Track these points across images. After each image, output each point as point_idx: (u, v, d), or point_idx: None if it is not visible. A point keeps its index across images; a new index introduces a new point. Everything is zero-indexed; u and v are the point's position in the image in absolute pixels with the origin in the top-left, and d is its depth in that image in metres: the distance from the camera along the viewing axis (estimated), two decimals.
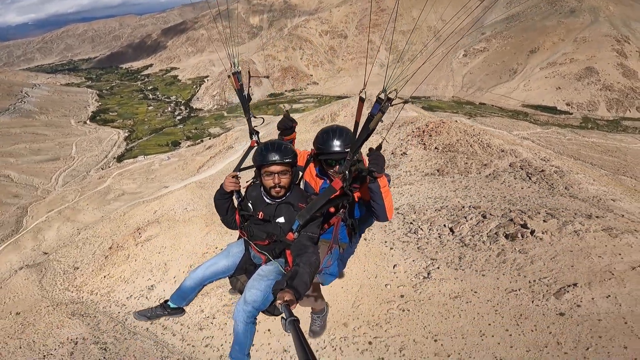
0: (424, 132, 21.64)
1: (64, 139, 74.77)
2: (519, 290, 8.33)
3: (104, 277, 17.50)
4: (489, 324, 8.64)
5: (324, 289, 4.01)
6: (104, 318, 14.24)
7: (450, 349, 8.50)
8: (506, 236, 8.98)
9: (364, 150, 2.48)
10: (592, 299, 8.71)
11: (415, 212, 10.66)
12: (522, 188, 10.80)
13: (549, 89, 70.00)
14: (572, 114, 65.87)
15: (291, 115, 3.33)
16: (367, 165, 2.33)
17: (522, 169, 12.34)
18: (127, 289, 15.65)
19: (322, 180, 2.82)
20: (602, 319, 8.92)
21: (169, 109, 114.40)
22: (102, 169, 60.50)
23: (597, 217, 9.38)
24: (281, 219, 2.51)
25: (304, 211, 2.38)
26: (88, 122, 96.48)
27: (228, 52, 3.20)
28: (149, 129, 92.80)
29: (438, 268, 9.00)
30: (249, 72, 3.24)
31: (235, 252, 2.85)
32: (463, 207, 10.31)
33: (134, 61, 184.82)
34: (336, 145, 2.57)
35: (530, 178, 11.49)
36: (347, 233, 2.81)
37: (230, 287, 2.96)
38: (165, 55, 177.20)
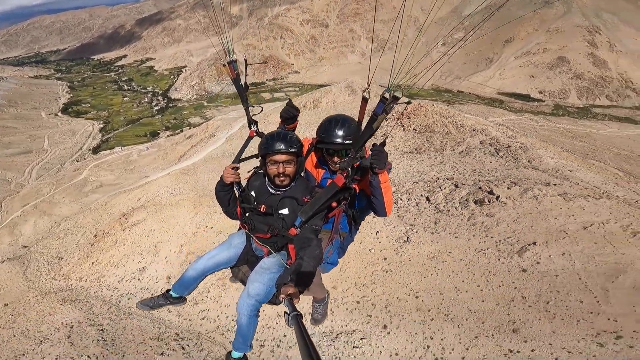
0: (402, 114, 22.64)
1: (35, 131, 71.83)
2: (487, 249, 9.36)
3: (92, 263, 17.63)
4: (463, 281, 9.69)
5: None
6: (96, 302, 14.52)
7: (430, 304, 9.50)
8: (475, 202, 10.00)
9: (368, 143, 2.51)
10: (550, 256, 9.90)
11: (395, 185, 11.57)
12: (491, 162, 11.86)
13: (523, 77, 72.76)
14: (544, 101, 68.91)
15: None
16: (369, 159, 2.34)
17: (491, 145, 13.44)
18: (117, 272, 15.91)
19: (324, 171, 2.81)
20: (559, 274, 10.15)
21: (146, 99, 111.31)
22: (77, 161, 58.76)
23: (554, 184, 10.52)
24: (285, 211, 2.51)
25: (307, 208, 2.39)
26: (60, 114, 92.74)
27: (222, 40, 3.10)
28: (125, 120, 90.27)
29: (416, 232, 9.93)
30: (245, 60, 3.15)
31: (237, 243, 2.85)
32: (438, 179, 11.27)
33: (107, 52, 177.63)
34: (338, 135, 2.56)
35: (497, 153, 12.59)
36: (347, 223, 2.83)
37: (232, 275, 2.99)
38: (140, 45, 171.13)
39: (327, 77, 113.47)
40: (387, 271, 9.54)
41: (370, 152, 2.35)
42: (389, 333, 9.24)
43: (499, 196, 9.67)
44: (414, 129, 20.24)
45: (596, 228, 9.60)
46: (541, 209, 9.37)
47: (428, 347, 9.10)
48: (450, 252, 9.31)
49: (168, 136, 69.39)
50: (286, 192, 2.52)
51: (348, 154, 2.39)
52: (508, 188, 9.79)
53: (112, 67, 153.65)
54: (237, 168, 2.71)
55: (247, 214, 2.64)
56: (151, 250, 15.15)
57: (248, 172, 2.78)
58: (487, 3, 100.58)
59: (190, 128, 72.78)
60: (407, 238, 9.61)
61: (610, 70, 68.82)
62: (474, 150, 13.35)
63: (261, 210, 2.53)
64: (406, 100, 2.04)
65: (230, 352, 2.73)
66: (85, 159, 59.41)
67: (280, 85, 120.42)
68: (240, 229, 2.88)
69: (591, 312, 10.08)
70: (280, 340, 10.24)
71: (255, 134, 3.08)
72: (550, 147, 16.01)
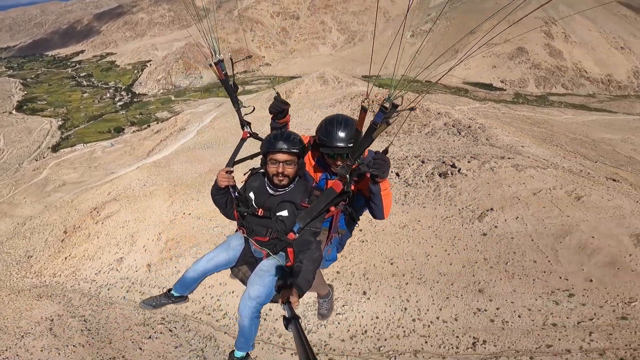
0: (372, 102, 23.62)
1: None
2: (452, 216, 10.38)
3: (65, 258, 17.27)
4: (432, 246, 10.68)
5: None
6: (75, 295, 14.37)
7: (404, 269, 10.41)
8: (440, 175, 11.02)
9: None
10: (505, 220, 11.09)
11: None
12: (454, 141, 12.95)
13: (486, 67, 76.36)
14: (505, 90, 72.84)
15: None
16: (371, 168, 2.32)
17: (453, 126, 14.60)
18: (93, 265, 15.76)
19: (322, 172, 2.80)
20: (514, 237, 11.37)
21: (108, 95, 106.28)
22: (36, 160, 55.55)
23: (508, 158, 11.74)
24: (284, 213, 2.51)
25: (305, 214, 2.40)
26: (14, 112, 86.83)
27: (207, 40, 2.94)
28: (86, 116, 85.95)
29: None
30: (231, 59, 3.02)
31: (235, 245, 2.85)
32: (407, 157, 12.20)
33: (62, 48, 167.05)
34: (340, 138, 2.53)
35: (460, 133, 13.74)
36: (345, 221, 2.84)
37: (231, 273, 3.03)
38: (99, 40, 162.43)
39: (298, 69, 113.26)
40: (363, 241, 10.35)
41: (373, 160, 2.32)
42: (368, 299, 10.05)
43: (460, 169, 10.72)
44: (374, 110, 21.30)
45: (544, 194, 10.86)
46: (497, 178, 10.52)
47: (405, 309, 9.99)
48: (419, 221, 10.25)
49: (134, 131, 67.00)
50: (285, 194, 2.52)
51: (347, 156, 2.40)
52: (468, 162, 10.89)
53: (69, 63, 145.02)
54: (231, 172, 2.67)
55: (238, 221, 2.66)
56: (127, 240, 15.13)
57: (244, 174, 2.76)
58: None
59: (157, 123, 70.83)
60: None
61: (566, 60, 73.74)
62: (438, 131, 14.47)
63: (259, 214, 2.54)
64: (408, 107, 1.97)
65: (233, 351, 2.79)
66: (44, 157, 56.28)
67: (252, 77, 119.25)
68: (237, 230, 2.88)
69: (544, 271, 11.36)
70: (266, 314, 10.82)
71: (248, 135, 3.02)
72: (505, 126, 17.56)
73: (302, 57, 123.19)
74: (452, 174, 10.91)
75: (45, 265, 17.47)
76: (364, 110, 2.07)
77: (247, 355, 2.74)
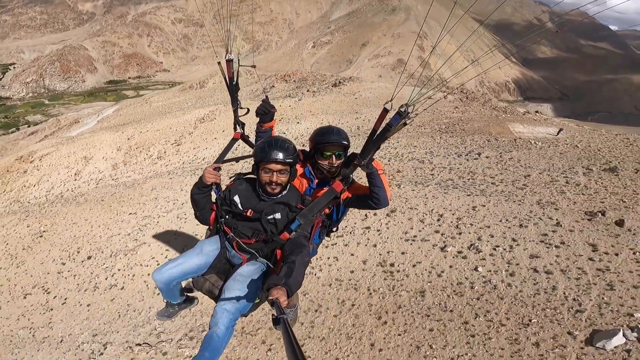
0: (285, 74, 30.28)
1: None
2: (342, 102, 17.16)
3: None
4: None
5: None
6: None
7: None
8: (334, 85, 17.94)
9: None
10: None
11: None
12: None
13: (373, 77, 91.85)
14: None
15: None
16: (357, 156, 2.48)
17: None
18: (41, 187, 16.62)
19: (309, 180, 2.88)
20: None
21: None
22: None
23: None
24: (277, 215, 2.49)
25: (306, 211, 2.45)
26: None
27: (226, 39, 3.19)
28: None
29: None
30: (238, 60, 3.17)
31: (209, 250, 2.67)
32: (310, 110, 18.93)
33: None
34: (336, 136, 2.72)
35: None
36: (319, 234, 2.87)
37: (192, 286, 2.80)
38: None
39: (200, 75, 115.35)
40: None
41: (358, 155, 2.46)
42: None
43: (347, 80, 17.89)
44: (293, 81, 27.90)
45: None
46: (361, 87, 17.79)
47: None
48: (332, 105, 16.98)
49: (1, 135, 61.52)
50: (279, 198, 2.52)
51: (342, 156, 2.70)
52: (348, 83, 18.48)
53: None
54: (219, 169, 2.66)
55: (223, 219, 2.60)
56: (80, 161, 17.42)
57: (230, 177, 2.76)
58: (349, 9, 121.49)
59: (29, 126, 67.08)
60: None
61: (432, 71, 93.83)
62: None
63: (248, 215, 2.50)
64: (416, 112, 2.22)
65: None
66: None
67: (147, 82, 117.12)
68: (209, 235, 2.81)
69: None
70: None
71: (240, 137, 3.12)
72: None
73: (205, 64, 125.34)
74: (342, 82, 18.10)
75: None
76: (385, 111, 2.30)
77: None
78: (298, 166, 2.78)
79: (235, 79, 3.15)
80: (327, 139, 2.71)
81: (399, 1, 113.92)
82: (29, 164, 19.00)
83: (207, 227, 2.83)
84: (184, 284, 2.96)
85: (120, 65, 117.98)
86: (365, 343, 4.07)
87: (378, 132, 2.35)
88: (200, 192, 2.61)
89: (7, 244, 9.27)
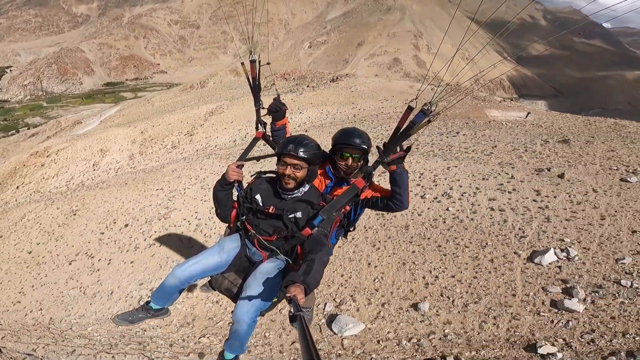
0: (285, 73, 31.79)
1: None
2: (340, 95, 18.55)
3: (17, 187, 19.12)
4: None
5: None
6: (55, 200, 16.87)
7: None
8: (331, 80, 19.32)
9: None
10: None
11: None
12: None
13: (370, 76, 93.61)
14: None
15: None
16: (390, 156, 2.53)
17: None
18: (60, 179, 17.72)
19: (330, 179, 2.91)
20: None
21: None
22: None
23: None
24: (298, 214, 2.54)
25: (329, 207, 2.50)
26: None
27: (249, 40, 3.33)
28: None
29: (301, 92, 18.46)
30: (259, 61, 3.26)
31: (230, 248, 2.73)
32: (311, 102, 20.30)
33: None
34: (357, 139, 2.74)
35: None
36: (336, 235, 2.90)
37: (210, 285, 2.84)
38: None
39: (197, 77, 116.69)
40: None
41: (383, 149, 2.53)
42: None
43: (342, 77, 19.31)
44: (293, 79, 29.30)
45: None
46: (357, 82, 19.30)
47: None
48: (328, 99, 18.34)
49: (1, 137, 62.55)
50: (300, 196, 2.57)
51: (360, 159, 2.74)
52: (345, 78, 19.71)
53: None
54: (242, 166, 2.73)
55: (244, 216, 2.66)
56: (97, 153, 18.69)
57: (251, 175, 2.81)
58: (344, 9, 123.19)
59: (29, 128, 68.03)
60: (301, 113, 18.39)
61: (428, 70, 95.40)
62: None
63: (269, 211, 2.55)
64: (438, 109, 2.27)
65: (222, 351, 2.77)
66: None
67: (145, 84, 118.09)
68: (228, 233, 2.88)
69: None
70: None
71: (262, 136, 3.14)
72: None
73: (202, 65, 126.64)
74: (339, 78, 19.52)
75: None
76: (409, 109, 2.33)
77: (237, 357, 2.74)
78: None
79: (257, 80, 3.22)
80: (346, 140, 2.74)
81: (394, 1, 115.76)
82: (46, 158, 20.20)
83: (227, 225, 2.88)
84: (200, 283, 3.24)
85: (118, 67, 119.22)
86: (363, 263, 5.43)
87: (402, 130, 2.40)
88: (223, 189, 2.67)
89: (40, 224, 10.35)
